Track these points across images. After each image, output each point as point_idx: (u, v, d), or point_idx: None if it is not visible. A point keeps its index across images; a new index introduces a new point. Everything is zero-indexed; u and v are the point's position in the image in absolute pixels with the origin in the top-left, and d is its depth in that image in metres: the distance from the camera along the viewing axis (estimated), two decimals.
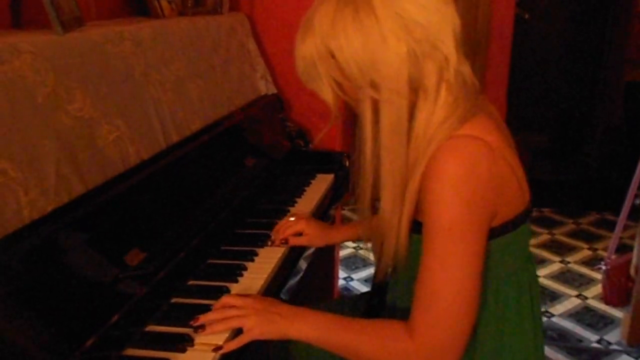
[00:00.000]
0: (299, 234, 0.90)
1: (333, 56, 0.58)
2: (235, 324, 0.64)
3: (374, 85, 0.58)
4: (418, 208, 0.61)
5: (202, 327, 0.64)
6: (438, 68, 0.57)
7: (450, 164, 0.55)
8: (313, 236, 0.89)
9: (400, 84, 0.57)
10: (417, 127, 0.58)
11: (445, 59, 0.57)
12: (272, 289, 0.80)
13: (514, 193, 0.61)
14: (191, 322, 0.65)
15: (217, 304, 0.67)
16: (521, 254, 0.66)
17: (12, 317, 0.54)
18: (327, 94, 0.61)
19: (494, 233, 0.60)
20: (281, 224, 0.92)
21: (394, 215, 0.61)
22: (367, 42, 0.56)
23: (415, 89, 0.58)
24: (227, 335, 0.64)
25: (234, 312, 0.64)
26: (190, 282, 0.79)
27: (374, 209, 0.67)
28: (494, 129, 0.60)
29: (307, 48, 0.59)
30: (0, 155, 0.60)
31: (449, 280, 0.56)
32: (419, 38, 0.56)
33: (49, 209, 0.65)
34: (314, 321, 0.63)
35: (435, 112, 0.58)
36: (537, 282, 0.69)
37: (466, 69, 0.59)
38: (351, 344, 0.61)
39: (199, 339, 0.64)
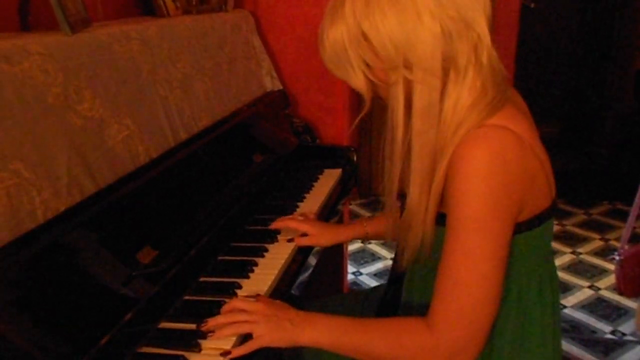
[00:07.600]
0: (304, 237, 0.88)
1: (365, 38, 0.56)
2: (245, 329, 0.62)
3: (407, 66, 0.56)
4: (442, 198, 0.59)
5: (211, 330, 0.63)
6: (471, 48, 0.56)
7: (480, 154, 0.53)
8: (318, 235, 0.88)
9: (435, 63, 0.55)
10: (446, 110, 0.57)
11: (478, 38, 0.56)
12: (283, 285, 0.80)
13: (542, 187, 0.59)
14: (200, 326, 0.64)
15: (225, 306, 0.65)
16: (544, 248, 0.64)
17: (28, 315, 0.55)
18: (358, 79, 0.59)
19: (520, 228, 0.58)
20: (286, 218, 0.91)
21: (421, 203, 0.60)
22: (402, 19, 0.54)
23: (447, 69, 0.57)
24: (234, 339, 0.62)
25: (243, 316, 0.63)
26: (202, 279, 0.79)
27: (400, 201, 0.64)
28: (524, 121, 0.58)
29: (337, 31, 0.57)
30: (13, 156, 0.61)
31: (473, 273, 0.54)
32: (452, 16, 0.55)
33: (62, 208, 0.65)
34: (325, 326, 0.61)
35: (462, 95, 0.57)
36: (556, 275, 0.68)
37: (495, 53, 0.58)
38: (366, 345, 0.59)
39: (207, 343, 0.62)
